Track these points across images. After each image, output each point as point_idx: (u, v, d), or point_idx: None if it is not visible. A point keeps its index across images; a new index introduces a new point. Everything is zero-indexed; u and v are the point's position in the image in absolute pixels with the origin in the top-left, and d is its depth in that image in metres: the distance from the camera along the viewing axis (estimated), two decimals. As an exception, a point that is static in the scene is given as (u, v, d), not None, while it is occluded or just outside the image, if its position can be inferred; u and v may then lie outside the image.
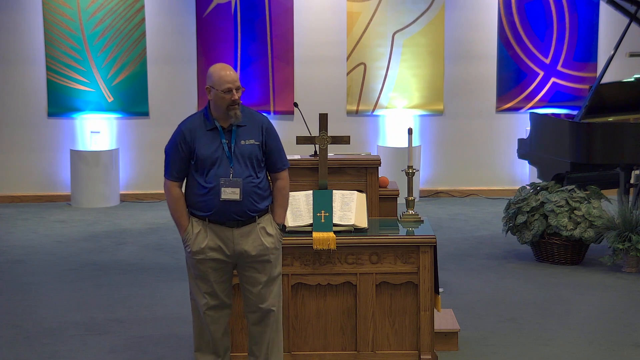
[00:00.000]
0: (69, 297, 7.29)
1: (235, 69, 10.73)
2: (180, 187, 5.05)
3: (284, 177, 5.12)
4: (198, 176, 4.97)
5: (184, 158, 4.98)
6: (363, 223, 5.67)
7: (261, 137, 5.03)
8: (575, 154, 8.37)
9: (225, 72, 4.94)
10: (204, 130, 4.98)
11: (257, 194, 5.00)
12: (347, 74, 10.98)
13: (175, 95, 10.92)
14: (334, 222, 5.61)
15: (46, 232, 9.46)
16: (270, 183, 5.15)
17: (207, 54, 10.80)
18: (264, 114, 5.19)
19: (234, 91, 4.93)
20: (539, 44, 10.97)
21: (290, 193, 5.67)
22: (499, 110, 11.09)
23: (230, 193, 4.93)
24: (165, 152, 5.05)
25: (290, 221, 5.62)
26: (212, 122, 4.99)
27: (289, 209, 5.54)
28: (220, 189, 4.93)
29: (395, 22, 10.90)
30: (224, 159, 4.95)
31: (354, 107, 11.01)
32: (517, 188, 9.22)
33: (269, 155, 5.07)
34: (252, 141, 5.00)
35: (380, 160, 6.20)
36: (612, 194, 9.25)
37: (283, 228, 5.14)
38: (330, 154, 6.13)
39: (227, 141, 4.97)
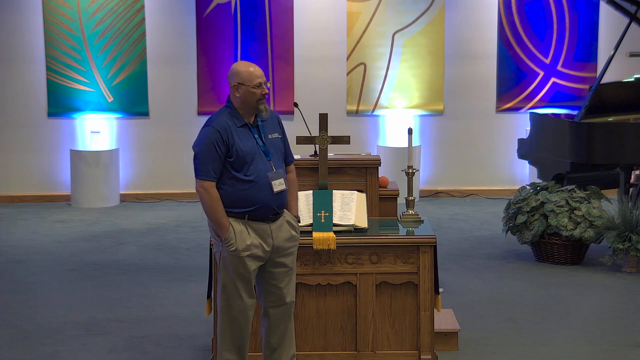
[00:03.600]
0: (69, 297, 7.29)
1: (235, 69, 10.73)
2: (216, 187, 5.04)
3: (294, 169, 5.28)
4: (236, 173, 4.99)
5: (221, 157, 4.98)
6: (363, 223, 5.67)
7: (280, 130, 5.18)
8: (575, 154, 8.37)
9: (254, 68, 5.03)
10: (236, 127, 5.02)
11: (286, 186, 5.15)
12: (347, 74, 10.98)
13: (175, 95, 10.92)
14: (334, 222, 5.61)
15: (46, 232, 9.46)
16: None
17: (207, 54, 10.80)
18: None
19: (264, 85, 5.02)
20: (539, 44, 10.97)
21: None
22: (499, 110, 11.09)
23: (279, 185, 5.05)
24: (198, 153, 4.98)
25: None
26: (241, 119, 5.04)
27: None
28: (268, 183, 5.00)
29: (395, 22, 10.90)
30: (260, 154, 5.03)
31: (354, 107, 11.01)
32: (517, 188, 9.23)
33: (284, 149, 5.20)
34: (276, 135, 5.14)
35: (380, 160, 6.21)
36: (612, 194, 9.26)
37: (298, 219, 5.26)
38: (330, 154, 6.14)
39: (258, 136, 5.06)
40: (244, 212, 5.01)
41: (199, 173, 4.98)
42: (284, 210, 5.14)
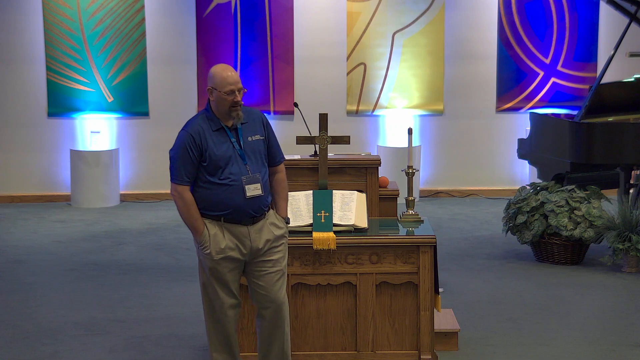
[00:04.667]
0: (69, 297, 7.29)
1: (235, 69, 10.73)
2: (190, 191, 5.03)
3: (283, 169, 5.21)
4: (211, 177, 4.97)
5: (195, 161, 4.96)
6: (363, 223, 5.67)
7: (263, 132, 5.10)
8: (575, 154, 8.37)
9: (228, 74, 4.95)
10: (211, 131, 4.99)
11: (266, 189, 5.07)
12: (347, 74, 10.98)
13: (175, 95, 10.92)
14: (334, 222, 5.61)
15: (46, 232, 9.46)
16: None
17: (207, 54, 10.80)
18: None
19: (237, 92, 4.96)
20: (539, 44, 10.97)
21: (290, 193, 5.69)
22: (499, 110, 11.09)
23: (253, 189, 4.98)
24: (173, 157, 4.99)
25: (290, 221, 5.62)
26: (217, 122, 5.00)
27: (289, 208, 5.57)
28: (241, 187, 4.96)
29: (395, 22, 10.90)
30: (236, 157, 4.98)
31: (354, 107, 11.01)
32: (517, 188, 9.22)
33: (270, 149, 5.14)
34: (257, 136, 5.06)
35: (380, 160, 6.21)
36: (612, 194, 9.26)
37: (288, 221, 5.21)
38: (330, 154, 6.14)
39: (235, 139, 5.01)
40: (219, 215, 5.00)
41: (173, 177, 4.98)
42: (267, 212, 5.08)
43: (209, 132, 4.98)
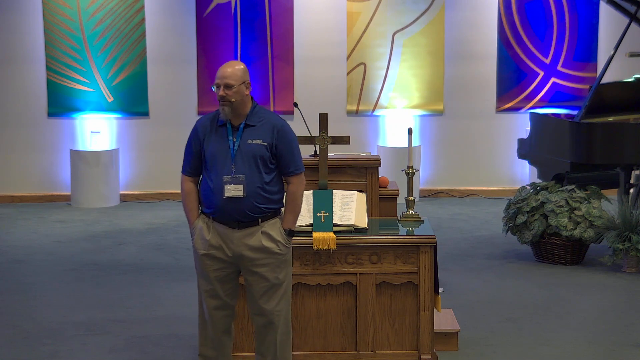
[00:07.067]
0: (69, 297, 7.29)
1: (235, 69, 10.73)
2: (194, 183, 5.04)
3: (295, 181, 5.01)
4: (206, 173, 4.98)
5: (196, 154, 4.99)
6: (363, 223, 5.67)
7: (271, 139, 4.94)
8: (575, 154, 8.37)
9: (224, 68, 4.91)
10: (215, 127, 4.98)
11: (260, 196, 4.94)
12: (347, 74, 10.98)
13: (175, 95, 10.92)
14: (334, 222, 5.61)
15: (46, 232, 9.46)
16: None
17: (207, 54, 10.80)
18: (281, 117, 5.08)
19: (222, 87, 4.88)
20: (539, 44, 10.97)
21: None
22: (499, 110, 11.09)
23: (233, 190, 4.89)
24: (185, 146, 5.08)
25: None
26: (224, 118, 4.97)
27: None
28: (223, 187, 4.90)
29: (395, 22, 10.90)
30: (228, 157, 4.92)
31: (354, 107, 11.01)
32: (517, 188, 9.23)
33: (280, 159, 4.97)
34: (259, 141, 4.93)
35: (380, 160, 6.21)
36: (612, 194, 9.26)
37: (291, 233, 5.04)
38: (330, 154, 6.14)
39: (233, 139, 4.95)
40: (209, 212, 4.99)
41: (182, 166, 5.06)
42: (263, 220, 4.94)
43: (214, 127, 4.97)
